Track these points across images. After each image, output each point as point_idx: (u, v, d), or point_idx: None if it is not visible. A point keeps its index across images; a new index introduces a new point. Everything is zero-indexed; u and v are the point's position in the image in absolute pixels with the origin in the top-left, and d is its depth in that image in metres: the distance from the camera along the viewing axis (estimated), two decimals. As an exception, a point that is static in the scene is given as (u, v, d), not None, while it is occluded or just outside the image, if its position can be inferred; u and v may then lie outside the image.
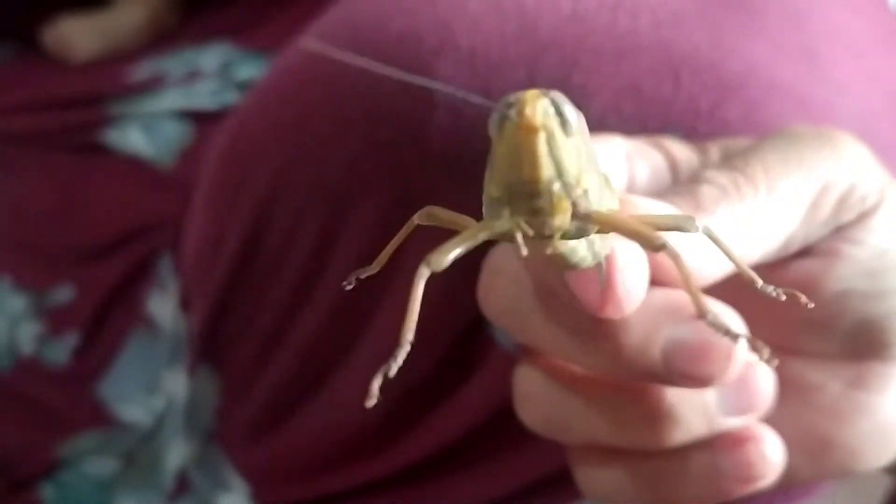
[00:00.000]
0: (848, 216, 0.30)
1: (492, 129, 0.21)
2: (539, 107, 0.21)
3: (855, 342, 0.31)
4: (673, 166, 0.32)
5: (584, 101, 0.34)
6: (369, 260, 0.39)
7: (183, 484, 0.47)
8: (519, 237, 0.22)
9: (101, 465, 0.47)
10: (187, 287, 0.45)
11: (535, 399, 0.32)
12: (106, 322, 0.49)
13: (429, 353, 0.40)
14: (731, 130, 0.34)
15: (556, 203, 0.21)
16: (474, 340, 0.40)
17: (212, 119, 0.52)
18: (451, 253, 0.22)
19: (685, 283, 0.22)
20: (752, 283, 0.25)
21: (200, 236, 0.43)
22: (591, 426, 0.31)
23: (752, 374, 0.29)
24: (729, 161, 0.30)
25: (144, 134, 0.53)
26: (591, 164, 0.23)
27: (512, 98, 0.21)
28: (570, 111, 0.21)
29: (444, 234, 0.24)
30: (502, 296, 0.30)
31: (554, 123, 0.21)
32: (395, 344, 0.25)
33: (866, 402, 0.31)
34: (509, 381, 0.34)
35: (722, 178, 0.29)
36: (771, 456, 0.30)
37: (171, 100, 0.53)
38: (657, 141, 0.32)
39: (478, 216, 0.32)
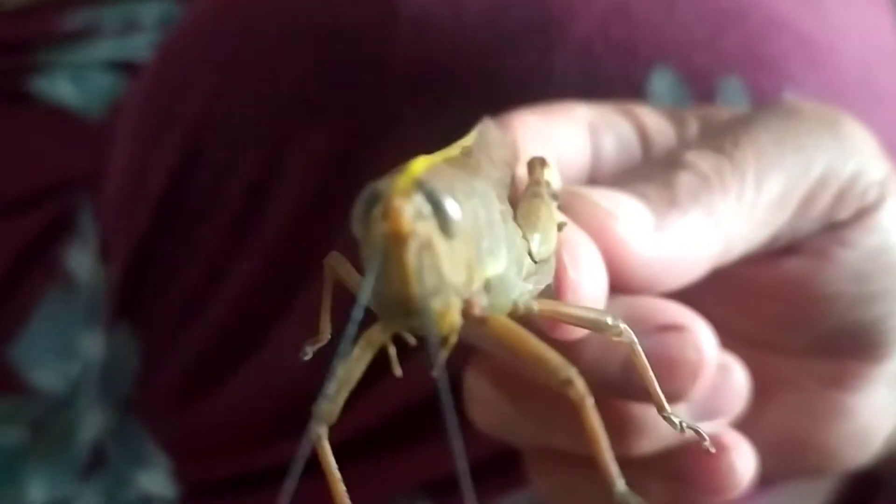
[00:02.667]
0: (844, 213, 0.27)
1: (355, 227, 0.18)
2: (408, 207, 0.16)
3: (836, 342, 0.29)
4: (644, 138, 0.29)
5: (567, 21, 0.31)
6: (313, 199, 0.35)
7: (97, 458, 0.42)
8: (392, 354, 0.20)
9: (8, 435, 0.43)
10: (107, 234, 0.40)
11: (485, 405, 0.29)
12: (19, 281, 0.44)
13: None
14: (727, 63, 0.31)
15: (437, 319, 0.18)
16: None
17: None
18: (340, 397, 0.20)
19: (590, 436, 0.19)
20: (660, 407, 0.22)
21: (123, 174, 0.39)
22: (547, 433, 0.28)
23: (724, 378, 0.27)
24: (713, 138, 0.27)
25: (73, 84, 0.49)
26: (496, 244, 0.19)
27: (379, 186, 0.17)
28: (453, 207, 0.17)
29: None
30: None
31: (430, 226, 0.17)
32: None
33: (843, 402, 0.29)
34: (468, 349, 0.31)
35: (704, 163, 0.26)
36: (740, 466, 0.27)
37: (105, 50, 0.49)
38: (627, 108, 0.29)
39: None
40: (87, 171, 0.45)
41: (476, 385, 0.29)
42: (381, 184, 0.17)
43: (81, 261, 0.42)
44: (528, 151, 0.26)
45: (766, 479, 0.31)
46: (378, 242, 0.17)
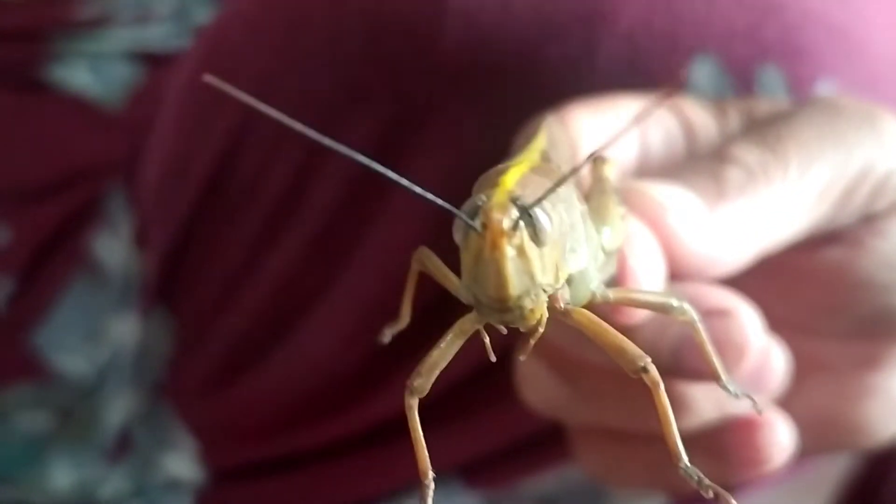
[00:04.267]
0: (880, 205, 0.29)
1: (456, 235, 0.20)
2: (506, 218, 0.18)
3: (871, 326, 0.30)
4: (688, 131, 0.30)
5: (611, 13, 0.32)
6: (356, 187, 0.36)
7: (124, 443, 0.43)
8: (486, 342, 0.21)
9: (33, 421, 0.43)
10: (145, 221, 0.41)
11: (538, 383, 0.30)
12: (44, 266, 0.45)
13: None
14: (766, 54, 0.33)
15: (527, 314, 0.20)
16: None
17: (164, 63, 0.49)
18: (432, 375, 0.22)
19: (661, 416, 0.21)
20: (717, 378, 0.24)
21: (165, 161, 0.39)
22: (597, 411, 0.30)
23: (766, 359, 0.29)
24: (758, 133, 0.28)
25: (91, 73, 0.49)
26: (577, 243, 0.21)
27: (478, 201, 0.19)
28: (544, 219, 0.19)
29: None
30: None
31: (524, 236, 0.19)
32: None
33: (876, 382, 0.31)
34: (491, 336, 0.32)
35: (750, 156, 0.27)
36: (780, 441, 0.29)
37: (120, 39, 0.50)
38: (672, 102, 0.30)
39: (483, 142, 0.30)
40: (111, 159, 0.46)
41: (529, 366, 0.30)
42: (481, 198, 0.19)
43: (111, 247, 0.43)
44: (584, 148, 0.27)
45: (802, 455, 0.32)
46: (477, 248, 0.19)
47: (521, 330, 0.20)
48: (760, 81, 0.33)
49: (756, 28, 0.33)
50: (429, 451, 0.39)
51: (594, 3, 0.32)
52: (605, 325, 0.21)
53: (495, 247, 0.18)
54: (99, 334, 0.43)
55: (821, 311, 0.31)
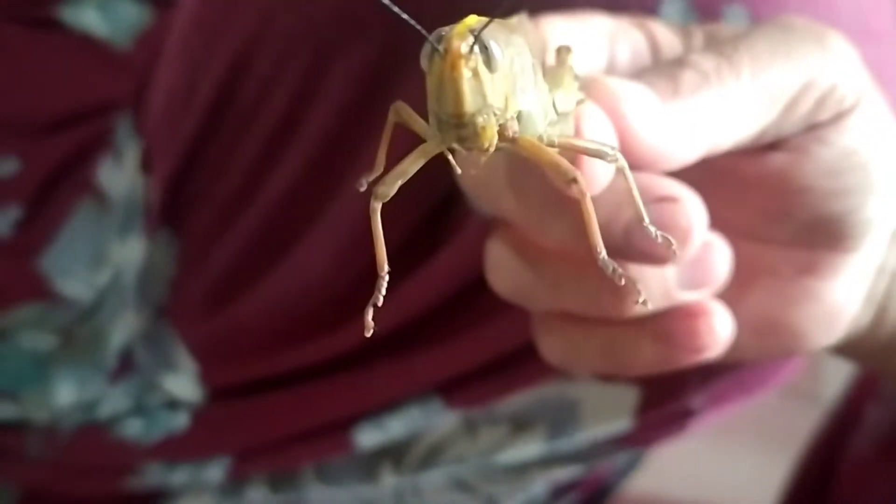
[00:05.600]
0: (824, 115, 0.30)
1: (423, 62, 0.23)
2: (464, 44, 0.22)
3: (811, 233, 0.32)
4: (655, 49, 0.32)
5: None
6: (350, 112, 0.38)
7: (126, 363, 0.45)
8: (451, 158, 0.24)
9: (38, 339, 0.45)
10: (151, 145, 0.43)
11: (504, 269, 0.33)
12: (52, 195, 0.46)
13: (398, 226, 0.39)
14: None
15: (480, 132, 0.23)
16: (446, 213, 0.40)
17: (172, 5, 0.50)
18: (396, 182, 0.25)
19: (585, 218, 0.24)
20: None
21: (171, 86, 0.41)
22: (557, 296, 0.32)
23: (709, 252, 0.31)
24: (717, 46, 0.30)
25: (100, 13, 0.51)
26: (527, 86, 0.24)
27: (442, 31, 0.22)
28: (496, 48, 0.22)
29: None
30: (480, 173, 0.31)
31: (478, 60, 0.22)
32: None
33: (815, 287, 0.33)
34: (477, 254, 0.34)
35: (706, 62, 0.29)
36: (719, 329, 0.31)
37: None
38: (641, 22, 0.32)
39: None
40: (119, 97, 0.47)
41: (497, 251, 0.32)
42: (444, 29, 0.22)
43: (116, 176, 0.45)
44: (552, 44, 0.29)
45: (746, 359, 0.35)
46: (440, 71, 0.22)
47: (476, 150, 0.23)
48: (726, 18, 0.35)
49: None
50: (411, 372, 0.41)
51: None
52: (546, 147, 0.24)
53: (454, 67, 0.22)
54: (100, 259, 0.44)
55: (765, 216, 0.32)
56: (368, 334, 0.25)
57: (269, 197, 0.40)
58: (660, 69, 0.29)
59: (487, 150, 0.23)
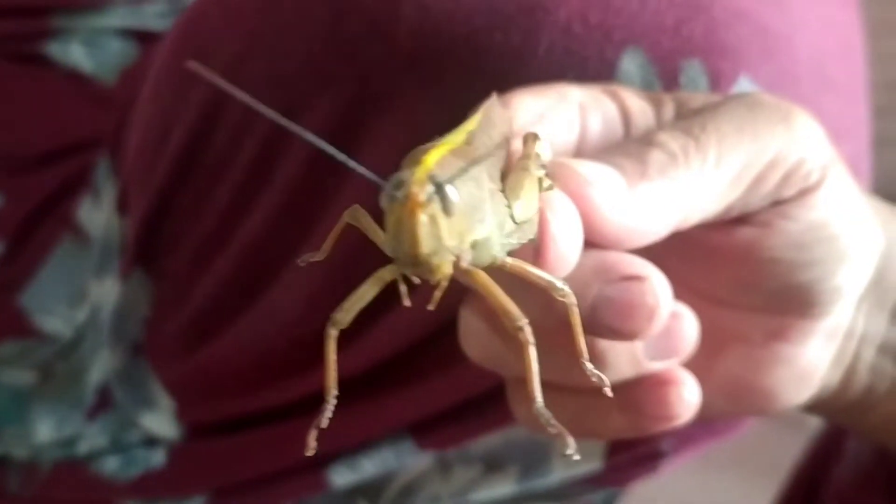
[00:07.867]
0: (789, 192, 0.31)
1: (382, 202, 0.23)
2: (422, 192, 0.22)
3: (780, 300, 0.33)
4: (626, 117, 0.33)
5: (552, 5, 0.34)
6: (320, 162, 0.38)
7: (104, 400, 0.45)
8: (402, 289, 0.24)
9: (17, 376, 0.46)
10: (126, 187, 0.43)
11: (475, 337, 0.33)
12: (34, 232, 0.47)
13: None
14: (691, 49, 0.35)
15: (434, 269, 0.24)
16: None
17: (157, 40, 0.51)
18: (354, 309, 0.26)
19: (526, 367, 0.25)
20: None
21: (146, 130, 0.41)
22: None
23: (677, 323, 0.31)
24: (684, 122, 0.31)
25: (86, 49, 0.51)
26: (484, 216, 0.25)
27: (403, 176, 0.23)
28: (453, 193, 0.23)
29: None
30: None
31: (435, 206, 0.23)
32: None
33: (785, 351, 0.33)
34: (447, 298, 0.34)
35: (673, 143, 0.30)
36: (688, 397, 0.32)
37: (117, 18, 0.52)
38: (612, 90, 0.33)
39: (436, 122, 0.32)
40: (102, 133, 0.48)
41: (468, 320, 0.33)
42: (404, 174, 0.23)
43: (95, 215, 0.45)
44: (523, 127, 0.30)
45: (719, 417, 0.35)
46: (398, 214, 0.23)
47: (431, 282, 0.24)
48: (685, 73, 0.35)
49: (683, 23, 0.35)
50: (383, 413, 0.42)
51: None
52: (496, 286, 0.25)
53: (412, 214, 0.23)
54: (79, 297, 0.45)
55: (735, 284, 0.33)
56: (310, 454, 0.25)
57: (242, 241, 0.40)
58: (628, 149, 0.30)
59: (440, 284, 0.24)
